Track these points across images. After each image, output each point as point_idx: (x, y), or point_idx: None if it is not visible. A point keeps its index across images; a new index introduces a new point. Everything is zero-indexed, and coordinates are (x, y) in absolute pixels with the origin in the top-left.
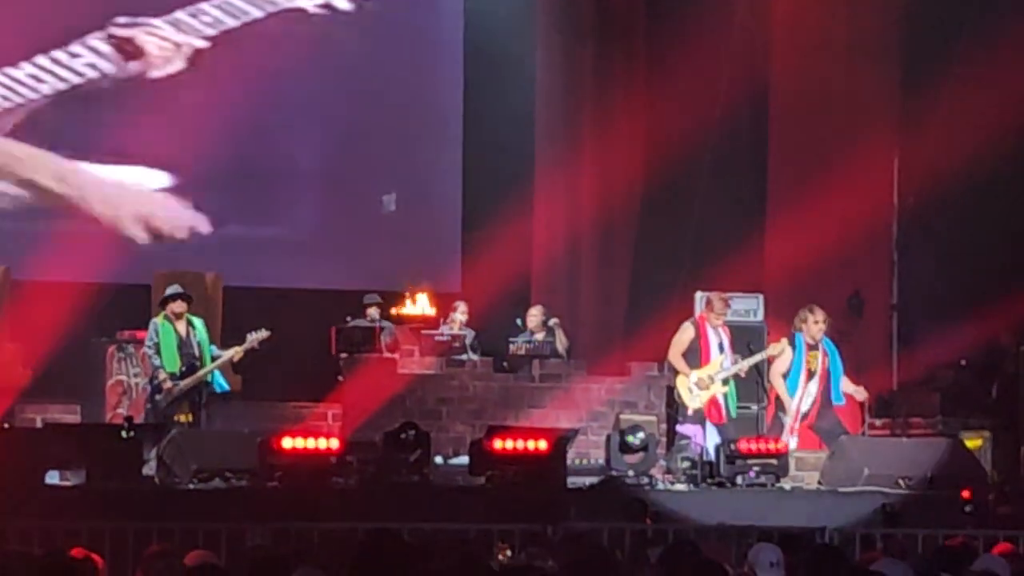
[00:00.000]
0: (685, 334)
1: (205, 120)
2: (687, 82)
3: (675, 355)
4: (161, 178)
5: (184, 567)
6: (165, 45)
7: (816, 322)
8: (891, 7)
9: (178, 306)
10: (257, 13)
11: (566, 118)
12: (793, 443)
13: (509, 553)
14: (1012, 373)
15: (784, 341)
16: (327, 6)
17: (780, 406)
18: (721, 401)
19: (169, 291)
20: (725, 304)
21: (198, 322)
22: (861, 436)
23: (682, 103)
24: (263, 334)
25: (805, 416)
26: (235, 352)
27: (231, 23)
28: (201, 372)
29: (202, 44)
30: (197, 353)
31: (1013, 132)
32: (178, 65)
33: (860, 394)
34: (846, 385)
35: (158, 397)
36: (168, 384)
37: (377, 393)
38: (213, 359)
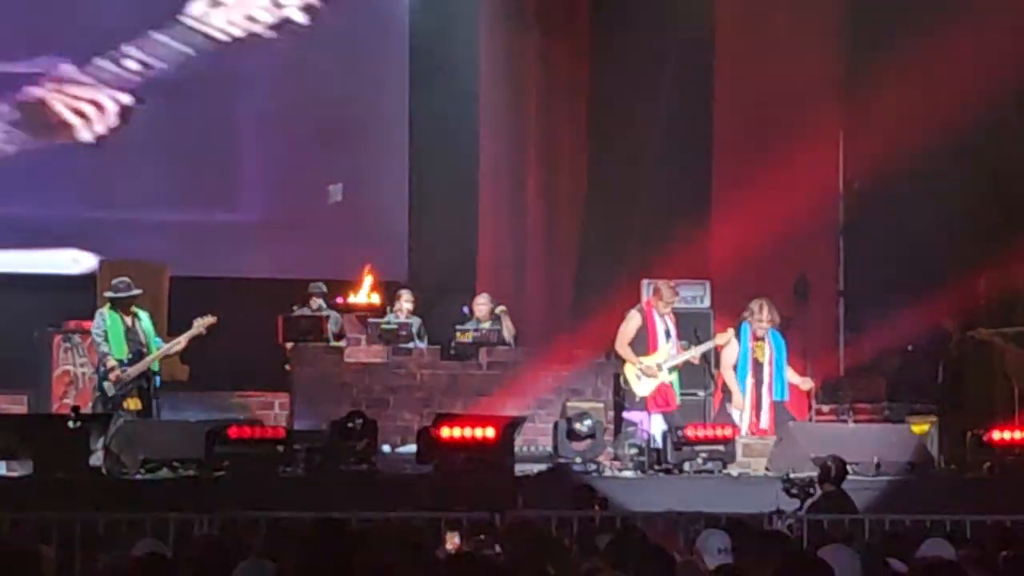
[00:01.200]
0: (632, 322)
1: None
2: (631, 71)
3: (622, 343)
4: (107, 167)
5: (133, 558)
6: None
7: (760, 321)
8: None
9: (123, 298)
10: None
11: (511, 106)
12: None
13: (457, 541)
14: (957, 358)
15: (731, 331)
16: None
17: (727, 395)
18: (669, 388)
19: (118, 288)
20: (673, 292)
21: (143, 314)
22: (808, 422)
23: (626, 91)
24: (209, 319)
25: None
26: (183, 338)
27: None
28: (149, 357)
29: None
30: (143, 342)
31: (957, 116)
32: None
33: (806, 384)
34: (791, 376)
35: (106, 383)
36: (117, 371)
37: (324, 382)
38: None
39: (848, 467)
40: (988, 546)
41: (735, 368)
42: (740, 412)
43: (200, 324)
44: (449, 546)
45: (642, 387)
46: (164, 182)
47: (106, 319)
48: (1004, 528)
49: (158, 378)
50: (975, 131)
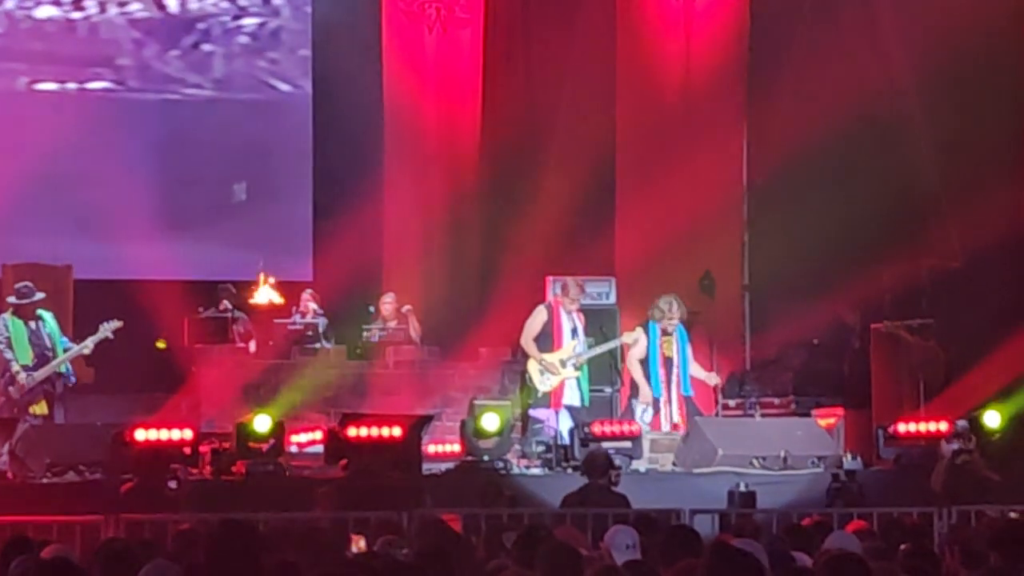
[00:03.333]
0: (538, 318)
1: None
2: (530, 65)
3: (527, 339)
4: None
5: (39, 561)
6: None
7: (671, 318)
8: None
9: (25, 304)
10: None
11: (413, 104)
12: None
13: (363, 544)
14: (859, 350)
15: (639, 329)
16: None
17: (635, 391)
18: (572, 385)
19: (21, 292)
20: (580, 289)
21: (47, 315)
22: (714, 417)
23: (525, 86)
24: (116, 324)
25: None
26: (89, 342)
27: None
28: (54, 362)
29: None
30: (49, 344)
31: (859, 110)
32: None
33: (712, 379)
34: (697, 371)
35: (11, 389)
36: (22, 377)
37: (231, 383)
38: (65, 351)
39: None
40: (890, 539)
41: (643, 363)
42: (646, 407)
43: (106, 328)
44: (355, 548)
45: (545, 383)
46: (67, 185)
47: (8, 325)
48: (905, 521)
49: (72, 378)
50: (877, 125)
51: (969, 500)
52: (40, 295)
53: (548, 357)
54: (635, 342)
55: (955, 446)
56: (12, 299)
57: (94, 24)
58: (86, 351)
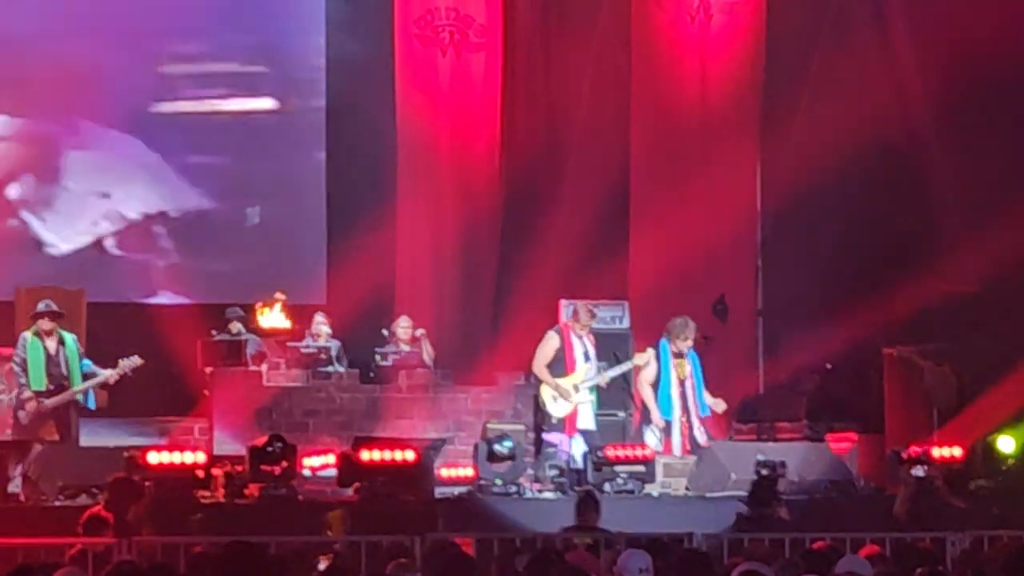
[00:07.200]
0: (550, 343)
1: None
2: (548, 89)
3: (539, 365)
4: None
5: None
6: None
7: (686, 339)
8: None
9: (46, 323)
10: None
11: (426, 128)
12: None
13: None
14: (872, 375)
15: (650, 351)
16: None
17: (647, 416)
18: (586, 410)
19: (40, 307)
20: (591, 315)
21: (69, 337)
22: (727, 441)
23: (543, 110)
24: (136, 361)
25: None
26: (105, 377)
27: None
28: (67, 393)
29: None
30: (65, 372)
31: (873, 136)
32: None
33: (720, 406)
34: (706, 397)
35: (21, 414)
36: (32, 403)
37: (244, 406)
38: (84, 376)
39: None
40: (903, 563)
41: (654, 386)
42: (660, 430)
43: (125, 365)
44: (321, 567)
45: (558, 408)
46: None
47: (27, 345)
48: (918, 545)
49: (91, 404)
50: (892, 149)
51: (932, 527)
52: (59, 314)
53: (562, 383)
54: (646, 364)
55: (919, 472)
56: (44, 323)
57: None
58: (103, 381)
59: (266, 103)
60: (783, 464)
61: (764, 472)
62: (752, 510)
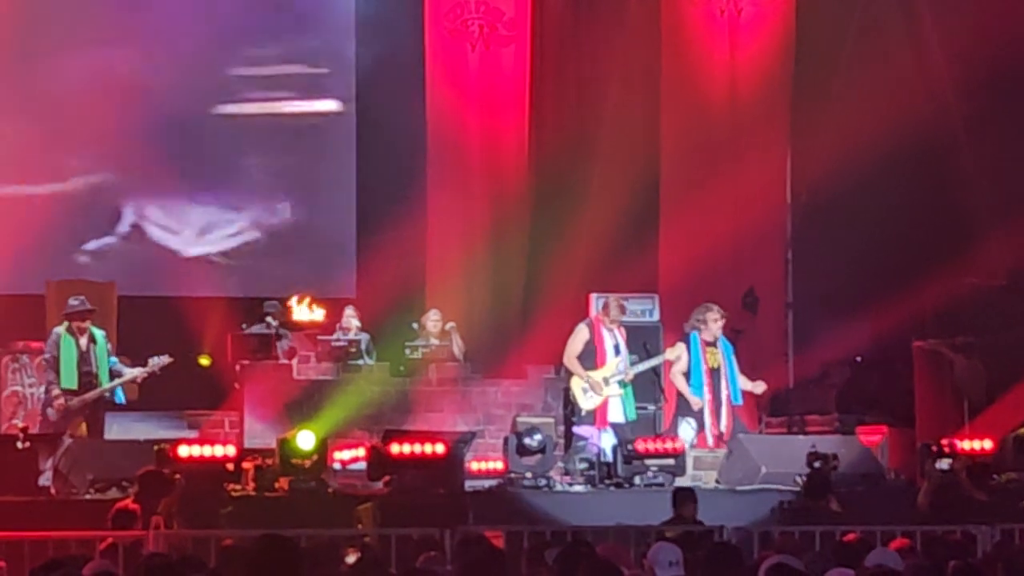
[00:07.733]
0: (579, 336)
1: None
2: (578, 82)
3: (570, 357)
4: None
5: None
6: None
7: (715, 320)
8: None
9: (80, 320)
10: None
11: (456, 122)
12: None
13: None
14: (906, 369)
15: (680, 345)
16: None
17: (684, 406)
18: (616, 403)
19: (73, 305)
20: (621, 309)
21: (99, 335)
22: (758, 434)
23: (572, 103)
24: (165, 360)
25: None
26: (133, 376)
27: None
28: (96, 391)
29: None
30: (95, 369)
31: (903, 129)
32: None
33: (759, 387)
34: (743, 383)
35: (49, 411)
36: (61, 400)
37: (274, 399)
38: (112, 374)
39: (798, 479)
40: (934, 556)
41: (687, 376)
42: (695, 421)
43: (154, 364)
44: (350, 560)
45: (588, 401)
46: (111, 202)
47: (60, 342)
48: (949, 538)
49: (120, 399)
50: (922, 141)
51: (954, 519)
52: (92, 311)
53: (593, 375)
54: (677, 358)
55: (943, 465)
56: (67, 310)
57: None
58: (129, 380)
59: (297, 103)
60: (835, 456)
61: (817, 464)
62: (806, 502)
